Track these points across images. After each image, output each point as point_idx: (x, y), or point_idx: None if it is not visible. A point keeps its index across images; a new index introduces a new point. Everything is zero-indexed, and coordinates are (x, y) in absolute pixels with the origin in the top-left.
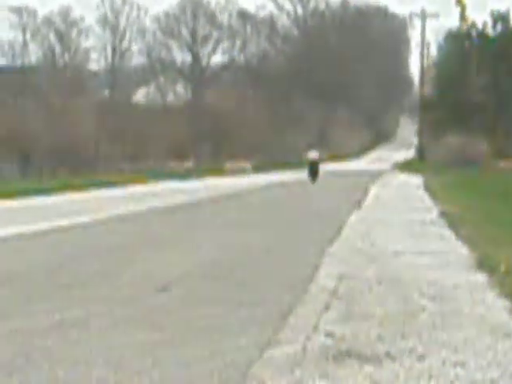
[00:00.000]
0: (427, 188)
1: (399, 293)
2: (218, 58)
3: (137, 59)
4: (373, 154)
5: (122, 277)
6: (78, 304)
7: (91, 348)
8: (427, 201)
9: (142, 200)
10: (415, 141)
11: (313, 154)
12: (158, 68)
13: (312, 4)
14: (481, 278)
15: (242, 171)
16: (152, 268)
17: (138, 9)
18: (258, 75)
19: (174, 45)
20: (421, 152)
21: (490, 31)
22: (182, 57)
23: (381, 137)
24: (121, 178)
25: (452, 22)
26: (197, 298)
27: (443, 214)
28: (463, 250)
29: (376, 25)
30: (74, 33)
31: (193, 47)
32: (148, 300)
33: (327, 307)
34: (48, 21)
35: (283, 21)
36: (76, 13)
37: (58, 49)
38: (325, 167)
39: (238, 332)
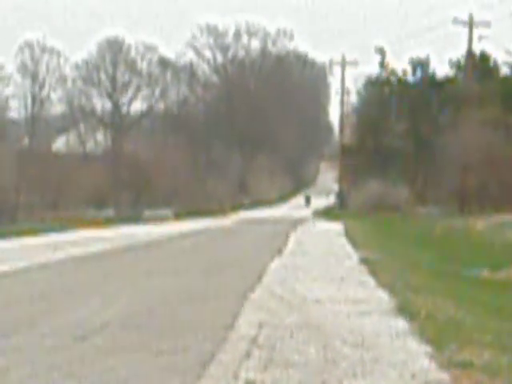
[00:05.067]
0: (348, 235)
1: (320, 340)
2: (137, 106)
3: (57, 107)
4: (294, 201)
5: (43, 326)
6: None
7: None
8: (348, 247)
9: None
10: (336, 187)
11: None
12: (78, 116)
13: (232, 52)
14: (401, 324)
15: (162, 219)
16: (72, 318)
17: (58, 56)
18: (178, 122)
19: (94, 92)
20: (341, 198)
21: (409, 78)
22: (102, 104)
23: (301, 183)
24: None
25: (372, 68)
26: (116, 346)
27: (363, 261)
28: (383, 297)
29: (296, 72)
30: None
31: (113, 94)
32: (67, 349)
33: (248, 355)
34: None
35: (203, 68)
36: None
37: None
38: (245, 214)
39: (158, 381)
